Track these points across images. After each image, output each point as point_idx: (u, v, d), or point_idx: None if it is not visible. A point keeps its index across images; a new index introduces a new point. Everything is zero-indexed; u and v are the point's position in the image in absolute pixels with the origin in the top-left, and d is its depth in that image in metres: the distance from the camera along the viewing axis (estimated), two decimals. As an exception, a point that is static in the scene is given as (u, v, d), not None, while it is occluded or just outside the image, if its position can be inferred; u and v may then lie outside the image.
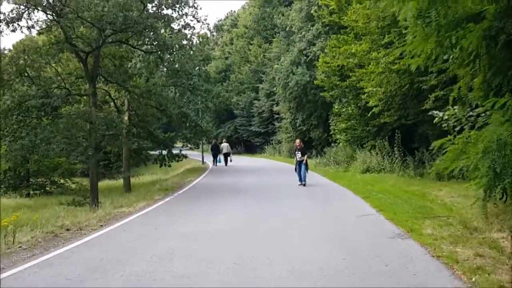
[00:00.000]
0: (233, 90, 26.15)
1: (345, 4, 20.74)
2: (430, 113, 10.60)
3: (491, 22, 7.21)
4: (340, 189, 14.86)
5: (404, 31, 12.99)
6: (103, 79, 16.47)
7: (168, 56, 19.30)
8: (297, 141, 16.50)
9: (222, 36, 62.63)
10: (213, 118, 53.91)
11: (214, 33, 69.95)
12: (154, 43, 15.43)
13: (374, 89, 15.07)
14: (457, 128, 10.16)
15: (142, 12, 13.92)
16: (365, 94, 16.25)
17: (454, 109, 10.31)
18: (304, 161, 15.74)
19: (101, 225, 9.60)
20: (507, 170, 5.43)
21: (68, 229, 9.19)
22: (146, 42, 15.69)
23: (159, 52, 15.82)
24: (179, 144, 34.37)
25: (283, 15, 41.59)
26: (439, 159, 8.16)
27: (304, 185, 15.58)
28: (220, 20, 69.10)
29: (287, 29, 36.76)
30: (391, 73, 14.22)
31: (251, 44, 48.78)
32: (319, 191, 14.80)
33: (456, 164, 7.09)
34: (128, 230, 9.00)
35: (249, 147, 48.58)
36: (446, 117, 10.25)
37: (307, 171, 15.97)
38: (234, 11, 64.87)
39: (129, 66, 19.48)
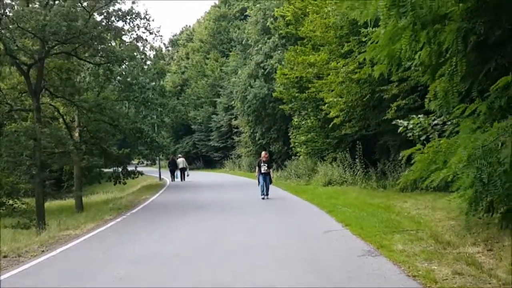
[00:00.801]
0: (190, 103, 25.35)
1: (301, 15, 20.48)
2: (394, 122, 10.24)
3: (459, 23, 6.88)
4: (304, 203, 14.34)
5: (364, 39, 12.75)
6: (48, 93, 15.37)
7: (119, 68, 18.46)
8: (264, 153, 16.48)
9: (177, 51, 61.75)
10: (171, 133, 52.85)
11: (170, 48, 69.00)
12: (103, 55, 14.53)
13: (335, 100, 14.71)
14: (423, 138, 9.85)
15: (88, 22, 13.03)
16: (326, 105, 15.88)
17: (419, 117, 9.99)
18: (270, 174, 15.80)
19: (43, 251, 8.63)
20: (495, 180, 4.96)
21: (5, 256, 8.20)
22: (94, 54, 14.78)
23: (108, 64, 14.92)
24: (136, 161, 33.35)
25: (239, 28, 41.30)
26: (408, 170, 7.74)
27: (267, 198, 15.57)
28: (176, 35, 68.30)
29: (243, 42, 36.39)
30: (352, 82, 13.90)
31: (208, 58, 48.22)
32: (282, 205, 14.23)
33: (436, 176, 6.59)
34: (72, 255, 8.09)
35: (209, 162, 47.67)
36: (410, 126, 9.92)
37: (270, 183, 15.97)
38: (190, 26, 64.27)
39: (78, 80, 18.50)
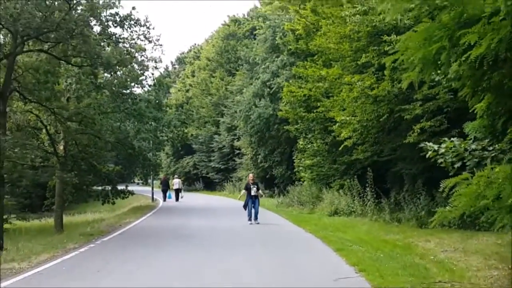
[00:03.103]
0: (188, 119, 23.67)
1: (313, 30, 18.85)
2: (421, 145, 8.33)
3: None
4: (307, 236, 12.36)
5: (386, 48, 11.01)
6: (21, 97, 13.61)
7: (109, 76, 16.78)
8: (251, 175, 16.31)
9: (184, 69, 60.52)
10: (171, 152, 51.14)
11: (176, 66, 67.98)
12: (85, 56, 12.83)
13: (348, 118, 12.88)
14: (457, 165, 7.98)
15: (69, 13, 11.31)
16: (337, 124, 14.04)
17: (452, 141, 8.12)
18: (258, 197, 15.42)
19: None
20: None
21: None
22: (75, 54, 13.06)
23: (90, 67, 13.19)
24: (137, 180, 31.79)
25: (247, 47, 39.93)
26: (449, 204, 5.86)
27: (257, 223, 14.92)
28: (183, 53, 67.26)
29: (250, 61, 34.89)
30: (368, 99, 12.08)
31: (213, 77, 46.76)
32: (281, 238, 12.29)
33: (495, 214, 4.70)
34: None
35: (209, 184, 45.72)
36: (442, 150, 8.02)
37: (258, 205, 15.51)
38: (198, 44, 63.11)
39: (63, 86, 16.82)
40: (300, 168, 22.70)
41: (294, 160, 24.23)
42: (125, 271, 7.80)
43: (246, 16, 49.34)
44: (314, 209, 19.21)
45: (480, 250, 8.60)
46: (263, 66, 29.84)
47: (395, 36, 10.75)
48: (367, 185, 16.10)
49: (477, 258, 8.09)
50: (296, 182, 23.97)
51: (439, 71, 7.95)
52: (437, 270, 7.53)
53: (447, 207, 5.93)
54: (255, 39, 37.37)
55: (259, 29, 35.49)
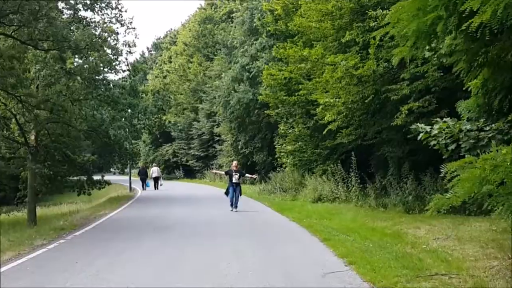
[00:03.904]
0: (165, 105, 22.84)
1: (293, 9, 18.14)
2: (413, 126, 7.79)
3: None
4: (291, 225, 11.81)
5: (372, 23, 10.42)
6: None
7: (79, 60, 15.87)
8: (235, 162, 16.20)
9: (160, 55, 59.13)
10: (151, 140, 50.13)
11: (153, 52, 66.49)
12: (51, 39, 11.90)
13: (332, 100, 12.27)
14: (452, 147, 7.46)
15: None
16: (320, 107, 13.43)
17: (445, 121, 7.58)
18: (240, 185, 15.45)
19: None
20: None
21: None
22: (41, 38, 12.13)
23: (57, 52, 12.29)
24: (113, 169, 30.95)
25: (224, 31, 38.98)
26: (451, 190, 5.29)
27: (236, 210, 14.84)
28: (159, 39, 65.72)
29: (228, 45, 34.01)
30: (352, 79, 11.48)
31: (191, 62, 45.68)
32: (264, 228, 11.71)
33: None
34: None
35: (189, 172, 44.89)
36: (435, 131, 7.49)
37: (240, 194, 15.55)
38: (174, 29, 61.66)
39: (32, 72, 15.86)
40: (282, 154, 22.15)
41: (276, 146, 23.66)
42: (95, 269, 7.11)
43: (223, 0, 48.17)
44: (297, 196, 18.71)
45: (474, 238, 8.14)
46: (241, 50, 29.07)
47: (381, 10, 10.13)
48: (351, 170, 15.63)
49: (473, 246, 7.61)
50: (278, 169, 23.44)
51: (432, 45, 7.41)
52: (431, 260, 7.03)
53: (447, 194, 5.35)
54: (232, 22, 36.46)
55: (236, 11, 34.61)
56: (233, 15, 36.24)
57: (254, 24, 25.82)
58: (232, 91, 28.20)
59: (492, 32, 5.10)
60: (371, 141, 14.69)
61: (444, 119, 7.71)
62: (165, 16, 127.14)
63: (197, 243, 9.36)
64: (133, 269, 7.19)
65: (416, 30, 5.88)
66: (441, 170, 5.73)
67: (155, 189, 28.68)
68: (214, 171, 25.14)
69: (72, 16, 18.05)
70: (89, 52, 15.89)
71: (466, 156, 7.70)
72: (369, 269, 6.55)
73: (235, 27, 32.75)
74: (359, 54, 12.07)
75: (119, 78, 20.64)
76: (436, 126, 7.59)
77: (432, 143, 7.56)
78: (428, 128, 7.64)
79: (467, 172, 5.06)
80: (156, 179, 29.05)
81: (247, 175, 17.12)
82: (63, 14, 16.93)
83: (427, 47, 7.34)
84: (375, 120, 13.40)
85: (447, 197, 5.32)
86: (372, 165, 16.61)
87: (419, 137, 7.68)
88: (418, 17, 5.90)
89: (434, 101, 10.88)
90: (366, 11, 11.04)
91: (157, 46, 64.75)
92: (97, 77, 17.59)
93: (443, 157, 7.71)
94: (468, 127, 7.28)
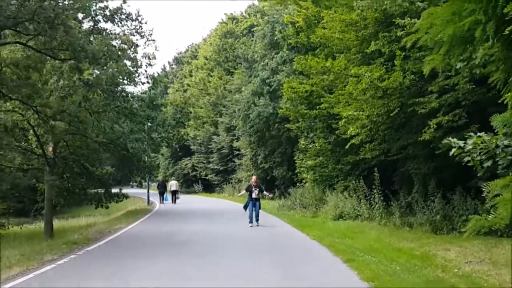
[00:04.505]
0: (184, 118, 22.61)
1: (315, 21, 17.78)
2: (444, 141, 7.22)
3: None
4: (312, 243, 11.28)
5: (399, 33, 9.94)
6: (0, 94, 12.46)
7: (97, 72, 15.73)
8: (254, 177, 16.18)
9: (181, 69, 59.42)
10: (170, 154, 50.10)
11: (174, 66, 66.91)
12: (67, 48, 11.74)
13: (355, 113, 11.79)
14: (487, 164, 6.90)
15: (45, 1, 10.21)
16: (343, 120, 12.93)
17: (480, 136, 7.03)
18: (259, 200, 15.40)
19: None
20: None
21: None
22: (57, 47, 11.99)
23: (74, 61, 12.13)
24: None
25: (245, 45, 38.87)
26: (493, 210, 4.77)
27: (257, 225, 14.76)
28: (180, 53, 66.15)
29: (249, 59, 33.80)
30: (377, 91, 10.98)
31: (211, 76, 45.69)
32: (283, 246, 11.22)
33: None
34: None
35: (208, 186, 44.62)
36: (469, 147, 6.94)
37: (259, 209, 15.37)
38: (195, 44, 62.00)
39: (49, 83, 15.78)
40: (302, 169, 21.65)
41: (296, 161, 23.18)
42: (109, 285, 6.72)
43: (244, 14, 48.25)
44: (317, 213, 18.13)
45: (510, 262, 7.51)
46: (262, 64, 28.79)
47: (409, 19, 9.66)
48: (373, 186, 15.02)
49: (510, 271, 7.00)
50: (297, 184, 22.90)
51: (465, 55, 6.89)
52: (465, 286, 6.46)
53: (488, 215, 4.82)
54: (253, 36, 36.34)
55: (257, 25, 34.49)
56: (254, 29, 36.14)
57: (275, 38, 25.56)
58: (252, 105, 27.90)
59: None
60: (395, 157, 14.14)
61: (479, 133, 7.16)
62: (187, 31, 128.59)
63: (213, 261, 8.91)
64: (149, 283, 6.76)
65: (452, 35, 5.42)
66: (472, 189, 5.18)
67: (172, 202, 28.63)
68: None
69: (92, 27, 18.02)
70: (107, 63, 15.79)
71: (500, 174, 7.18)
72: (398, 295, 6.02)
73: (255, 40, 32.57)
74: (384, 66, 11.60)
75: (140, 91, 20.49)
76: (470, 141, 7.04)
77: (466, 159, 6.99)
78: (461, 143, 7.10)
79: (510, 191, 4.55)
80: (174, 193, 29.09)
81: (264, 192, 16.75)
82: (82, 25, 16.93)
83: (461, 56, 6.82)
84: (400, 135, 12.85)
85: (488, 218, 4.80)
86: (395, 182, 16.00)
87: (451, 153, 7.11)
88: (454, 22, 5.44)
89: (465, 115, 10.33)
90: (393, 21, 10.58)
91: (178, 60, 65.14)
92: (115, 89, 17.49)
93: (478, 174, 7.15)
94: (506, 142, 6.72)
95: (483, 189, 5.08)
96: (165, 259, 9.19)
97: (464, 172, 11.45)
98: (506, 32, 4.73)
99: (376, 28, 11.89)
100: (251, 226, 14.65)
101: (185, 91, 50.52)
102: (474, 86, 9.92)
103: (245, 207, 15.28)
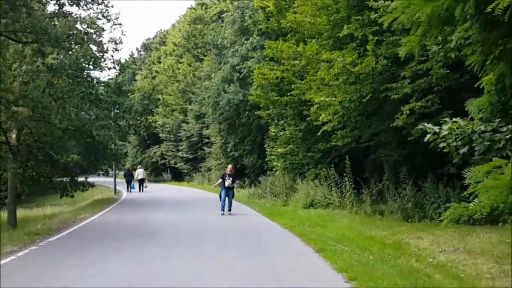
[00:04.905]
0: (151, 104, 21.89)
1: (285, 6, 17.41)
2: (419, 126, 7.07)
3: None
4: (283, 232, 11.03)
5: (373, 16, 9.69)
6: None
7: (60, 56, 15.00)
8: (230, 166, 15.96)
9: (150, 56, 58.13)
10: (138, 142, 49.10)
11: (142, 52, 65.45)
12: (29, 31, 11.05)
13: (327, 99, 11.52)
14: (463, 150, 6.74)
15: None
16: (314, 106, 12.67)
17: (455, 121, 6.85)
18: (233, 189, 15.28)
19: None
20: None
21: None
22: (19, 29, 11.27)
23: (37, 45, 11.45)
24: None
25: (214, 31, 38.16)
26: (475, 199, 4.54)
27: (229, 213, 14.67)
28: (149, 39, 64.66)
29: (218, 45, 33.17)
30: (350, 76, 10.74)
31: (181, 63, 44.79)
32: (253, 236, 10.93)
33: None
34: None
35: (177, 175, 43.89)
36: (444, 132, 6.76)
37: (233, 197, 15.33)
38: (164, 30, 60.69)
39: (13, 68, 14.99)
40: (272, 157, 21.40)
41: (266, 149, 22.90)
42: (66, 281, 6.28)
43: (213, 0, 47.38)
44: (288, 201, 17.93)
45: (487, 251, 7.41)
46: (232, 50, 28.24)
47: (382, 1, 9.40)
48: (344, 174, 14.89)
49: (487, 261, 6.88)
50: (268, 172, 22.66)
51: (440, 38, 6.67)
52: (441, 277, 6.30)
53: (461, 202, 4.61)
54: (223, 22, 35.67)
55: (227, 11, 33.86)
56: (224, 15, 35.48)
57: (245, 23, 25.07)
58: (222, 92, 27.40)
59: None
60: (367, 144, 14.01)
61: (454, 119, 6.98)
62: (155, 17, 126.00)
63: (180, 253, 8.53)
64: (105, 283, 6.34)
65: (430, 14, 5.16)
66: (444, 176, 4.94)
67: (140, 191, 28.16)
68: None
69: (57, 11, 17.21)
70: (71, 47, 15.09)
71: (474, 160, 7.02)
72: (373, 285, 5.79)
73: (225, 27, 31.97)
74: (357, 51, 11.37)
75: (107, 77, 19.77)
76: (445, 127, 6.86)
77: (441, 145, 6.82)
78: (436, 128, 6.91)
79: (493, 178, 4.33)
80: (141, 181, 28.65)
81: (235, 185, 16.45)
82: (46, 8, 16.10)
83: (436, 39, 6.59)
84: (372, 122, 12.69)
85: (468, 206, 4.58)
86: (366, 170, 15.93)
87: (426, 139, 6.93)
88: (432, 0, 5.18)
89: (438, 101, 10.20)
90: (366, 3, 10.30)
91: (146, 47, 63.69)
92: (80, 74, 16.76)
93: (454, 161, 7.01)
94: (482, 128, 6.57)
95: (464, 176, 4.83)
96: (129, 251, 8.76)
97: (435, 159, 11.41)
98: (489, 9, 4.48)
99: (348, 12, 11.62)
100: (222, 214, 14.44)
101: (153, 78, 49.44)
102: (448, 71, 9.79)
103: (220, 196, 15.10)
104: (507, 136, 6.30)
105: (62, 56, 15.36)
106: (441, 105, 10.32)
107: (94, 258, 8.11)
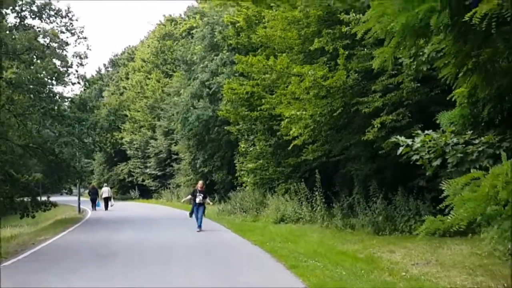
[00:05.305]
0: (117, 120, 21.21)
1: (256, 21, 17.36)
2: (392, 139, 6.96)
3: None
4: (253, 249, 10.71)
5: (344, 29, 9.64)
6: None
7: (15, 66, 14.43)
8: (201, 182, 15.78)
9: (117, 72, 57.30)
10: (105, 159, 48.04)
11: (110, 69, 64.50)
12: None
13: (298, 113, 11.37)
14: (436, 162, 6.64)
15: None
16: (286, 120, 12.50)
17: (428, 134, 6.76)
18: (204, 205, 14.92)
19: None
20: None
21: None
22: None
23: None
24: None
25: (184, 47, 37.90)
26: (453, 211, 4.38)
27: (199, 231, 14.24)
28: (116, 55, 63.81)
29: (188, 60, 32.88)
30: (321, 90, 10.63)
31: (149, 79, 44.27)
32: (224, 254, 10.55)
33: None
34: None
35: (145, 192, 43.04)
36: (417, 145, 6.66)
37: (203, 215, 15.03)
38: (132, 46, 60.01)
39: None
40: (242, 172, 21.15)
41: (236, 164, 22.63)
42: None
43: (183, 16, 47.26)
44: (258, 216, 17.66)
45: (459, 263, 7.32)
46: (201, 66, 28.02)
47: (354, 15, 9.36)
48: (315, 188, 14.75)
49: (459, 273, 6.77)
50: (238, 188, 22.34)
51: (412, 51, 6.61)
52: (416, 291, 6.12)
53: (445, 215, 4.44)
54: (192, 38, 35.48)
55: (196, 27, 33.71)
56: (193, 31, 35.29)
57: (215, 39, 24.95)
58: (191, 108, 27.05)
59: (499, 24, 4.32)
60: (337, 158, 13.93)
61: (427, 131, 6.90)
62: (123, 33, 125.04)
63: (146, 274, 8.09)
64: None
65: (405, 24, 5.04)
66: (414, 189, 4.78)
67: (105, 209, 27.46)
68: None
69: (18, 23, 16.73)
70: (32, 60, 14.58)
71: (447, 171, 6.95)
72: (348, 304, 5.56)
73: (195, 42, 31.77)
74: (327, 65, 11.32)
75: (72, 93, 19.29)
76: (418, 139, 6.77)
77: (414, 157, 6.72)
78: (409, 141, 6.81)
79: (471, 190, 4.19)
80: (106, 200, 27.95)
81: (207, 200, 16.02)
82: (6, 19, 15.58)
83: (408, 52, 6.53)
84: (342, 135, 12.61)
85: (446, 219, 4.40)
86: (337, 184, 15.85)
87: (399, 151, 6.82)
88: (407, 10, 5.08)
89: (408, 114, 10.19)
90: (337, 16, 10.26)
91: (114, 63, 62.81)
92: (42, 89, 16.21)
93: (427, 173, 6.90)
94: (455, 140, 6.50)
95: (436, 188, 4.68)
96: (89, 274, 8.26)
97: (405, 172, 11.41)
98: (466, 18, 4.39)
99: (319, 26, 11.59)
100: (198, 231, 14.20)
101: (121, 94, 48.70)
102: (418, 85, 9.81)
103: (191, 214, 14.92)
104: (480, 148, 6.24)
105: (21, 70, 14.81)
106: (411, 119, 10.32)
107: (52, 280, 7.62)
